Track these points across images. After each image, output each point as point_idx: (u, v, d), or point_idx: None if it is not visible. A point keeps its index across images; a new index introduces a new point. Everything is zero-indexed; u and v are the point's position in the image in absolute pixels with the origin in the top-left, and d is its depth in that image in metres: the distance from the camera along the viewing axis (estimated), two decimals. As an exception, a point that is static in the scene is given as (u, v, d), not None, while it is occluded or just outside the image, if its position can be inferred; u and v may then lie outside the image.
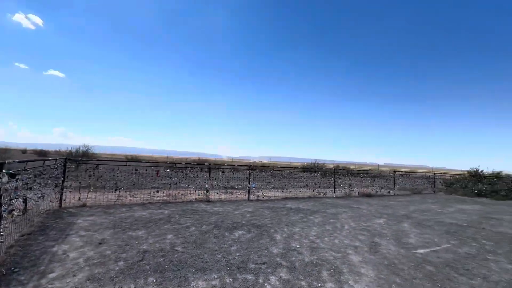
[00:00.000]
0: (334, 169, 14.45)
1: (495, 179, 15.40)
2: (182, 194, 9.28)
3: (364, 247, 4.55)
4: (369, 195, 12.32)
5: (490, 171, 16.95)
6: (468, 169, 17.31)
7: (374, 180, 14.68)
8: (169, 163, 11.03)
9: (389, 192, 13.65)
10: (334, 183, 11.98)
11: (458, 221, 7.28)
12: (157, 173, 9.11)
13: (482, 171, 16.70)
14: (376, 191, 13.26)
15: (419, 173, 17.33)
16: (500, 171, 16.72)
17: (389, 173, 15.38)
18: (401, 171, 18.08)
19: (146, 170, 9.48)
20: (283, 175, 12.38)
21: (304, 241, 4.73)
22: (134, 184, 8.63)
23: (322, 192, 11.79)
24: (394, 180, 14.29)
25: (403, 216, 7.55)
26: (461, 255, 4.41)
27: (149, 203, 7.69)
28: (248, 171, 10.15)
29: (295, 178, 11.84)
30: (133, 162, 11.08)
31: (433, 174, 16.78)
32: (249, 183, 9.78)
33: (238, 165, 12.63)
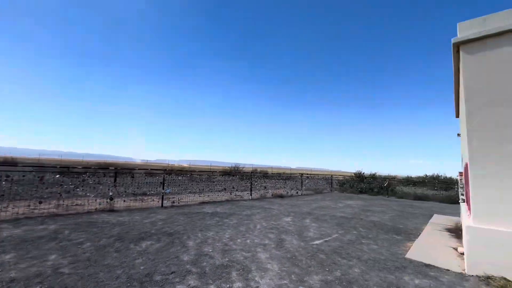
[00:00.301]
0: (252, 172, 15.22)
1: (372, 179, 19.65)
2: (77, 205, 7.80)
3: (272, 244, 4.95)
4: (281, 196, 13.53)
5: (369, 172, 21.51)
6: (355, 171, 21.45)
7: (286, 182, 16.26)
8: (60, 166, 9.07)
9: (297, 192, 15.38)
10: (250, 186, 12.60)
11: (346, 214, 8.89)
12: (41, 180, 7.36)
13: (363, 173, 20.99)
14: (287, 192, 14.72)
15: (321, 175, 20.28)
16: (375, 173, 21.43)
17: (298, 176, 17.36)
18: (307, 174, 20.69)
19: (25, 176, 7.53)
20: (201, 179, 12.16)
21: (217, 244, 4.76)
22: (2, 195, 6.68)
23: (239, 195, 12.18)
24: (301, 182, 16.21)
25: (306, 213, 8.64)
26: (345, 242, 5.38)
27: (27, 217, 6.10)
28: (163, 176, 9.47)
29: (214, 182, 11.82)
30: (3, 165, 8.62)
31: (330, 176, 19.95)
32: (163, 188, 9.12)
33: (151, 169, 11.61)
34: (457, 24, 4.55)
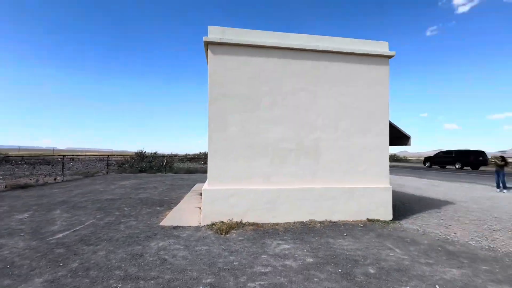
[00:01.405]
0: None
1: (152, 158, 20.13)
2: None
3: (-29, 258, 3.35)
4: (24, 187, 9.90)
5: (151, 151, 21.79)
6: (136, 150, 20.78)
7: (35, 168, 12.17)
8: None
9: (55, 179, 12.08)
10: (-45, 177, 7.93)
11: (115, 195, 8.28)
12: None
13: (145, 152, 20.93)
14: (38, 180, 11.08)
15: (94, 156, 17.52)
16: (156, 152, 22.08)
17: (59, 158, 13.68)
18: (77, 155, 17.00)
19: None
20: None
21: None
22: None
23: None
24: (63, 165, 12.93)
25: (59, 203, 6.95)
26: (100, 226, 4.92)
27: None
28: None
29: None
30: None
31: (107, 156, 17.83)
32: None
33: None
34: (208, 26, 5.49)
